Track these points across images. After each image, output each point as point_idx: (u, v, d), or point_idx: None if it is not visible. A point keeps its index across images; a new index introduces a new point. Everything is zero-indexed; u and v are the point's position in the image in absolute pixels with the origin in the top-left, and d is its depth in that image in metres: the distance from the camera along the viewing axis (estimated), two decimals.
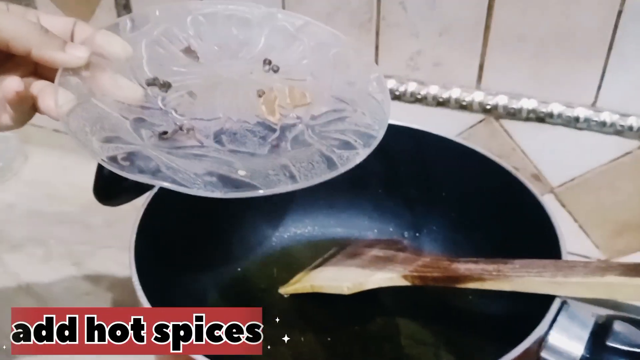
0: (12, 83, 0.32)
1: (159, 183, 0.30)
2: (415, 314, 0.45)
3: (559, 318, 0.31)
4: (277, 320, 0.43)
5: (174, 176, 0.30)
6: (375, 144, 0.34)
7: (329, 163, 0.33)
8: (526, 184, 0.43)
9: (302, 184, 0.31)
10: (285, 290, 0.47)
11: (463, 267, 0.37)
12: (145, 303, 0.31)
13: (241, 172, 0.31)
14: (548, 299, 0.33)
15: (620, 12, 0.46)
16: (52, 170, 0.75)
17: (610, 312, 0.33)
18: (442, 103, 0.56)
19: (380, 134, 0.35)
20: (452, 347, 0.43)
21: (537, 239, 0.39)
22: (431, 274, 0.38)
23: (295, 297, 0.47)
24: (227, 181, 0.31)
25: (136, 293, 0.32)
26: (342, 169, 0.32)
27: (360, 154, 0.33)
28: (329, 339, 0.44)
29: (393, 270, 0.40)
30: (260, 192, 0.30)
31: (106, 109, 0.33)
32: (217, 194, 0.30)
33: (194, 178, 0.30)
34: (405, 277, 0.39)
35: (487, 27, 0.51)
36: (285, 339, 0.41)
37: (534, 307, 0.33)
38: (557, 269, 0.33)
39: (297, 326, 0.45)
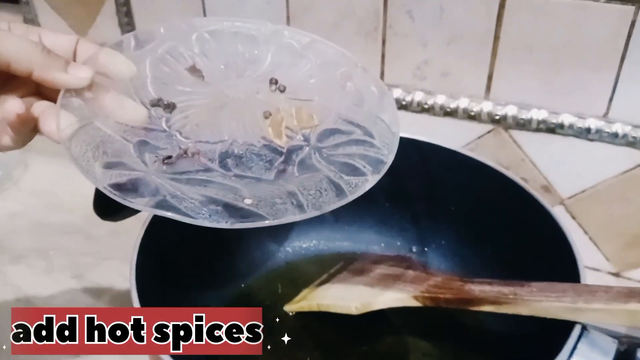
0: (14, 105, 0.31)
1: (163, 213, 0.29)
2: (426, 333, 0.44)
3: (579, 345, 0.30)
4: (282, 338, 0.42)
5: (179, 205, 0.29)
6: (384, 169, 0.33)
7: (337, 190, 0.32)
8: (537, 197, 0.42)
9: (309, 214, 0.31)
10: (291, 308, 0.46)
11: (477, 288, 0.35)
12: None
13: (247, 201, 0.31)
14: (566, 323, 0.32)
15: (633, 22, 0.45)
16: (54, 179, 0.74)
17: (633, 337, 0.32)
18: (450, 113, 0.55)
19: (389, 159, 0.34)
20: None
21: (551, 254, 0.39)
22: (443, 295, 0.37)
23: (300, 314, 0.46)
24: (233, 210, 0.30)
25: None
26: (350, 197, 0.32)
27: (370, 181, 0.33)
28: (335, 358, 0.43)
29: (403, 290, 0.39)
30: (267, 223, 0.30)
31: (109, 132, 0.32)
32: (223, 224, 0.29)
33: (199, 207, 0.29)
34: (416, 297, 0.38)
35: (496, 37, 0.50)
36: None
37: (551, 328, 0.32)
38: (577, 294, 0.32)
39: (303, 345, 0.44)
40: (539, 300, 0.32)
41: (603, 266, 0.57)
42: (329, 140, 0.36)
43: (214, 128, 0.34)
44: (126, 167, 0.31)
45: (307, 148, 0.35)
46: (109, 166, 0.30)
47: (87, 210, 0.64)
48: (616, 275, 0.57)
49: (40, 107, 0.32)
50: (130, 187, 0.30)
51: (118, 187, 0.29)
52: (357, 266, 0.46)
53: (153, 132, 0.33)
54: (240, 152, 0.34)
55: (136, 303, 0.32)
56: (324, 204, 0.31)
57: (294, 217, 0.30)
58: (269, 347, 0.43)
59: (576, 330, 0.31)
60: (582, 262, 0.36)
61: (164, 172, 0.31)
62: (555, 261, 0.38)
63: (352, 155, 0.35)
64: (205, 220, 0.29)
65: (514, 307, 0.33)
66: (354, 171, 0.34)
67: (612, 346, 0.31)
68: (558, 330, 0.32)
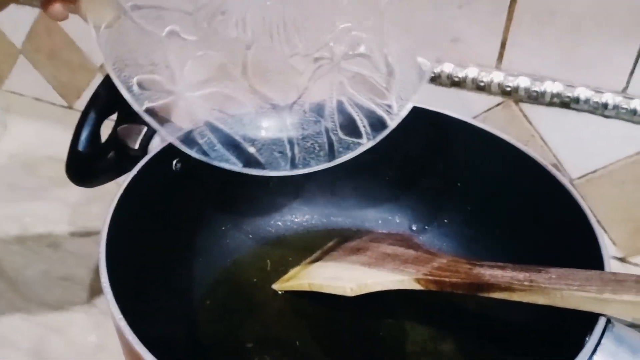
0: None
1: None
2: (426, 318, 0.41)
3: (603, 341, 0.27)
4: (270, 319, 0.39)
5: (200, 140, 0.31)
6: (381, 137, 0.33)
7: (329, 149, 0.32)
8: (557, 175, 0.38)
9: (299, 171, 0.32)
10: (280, 286, 0.42)
11: (488, 273, 0.32)
12: (116, 312, 0.27)
13: (251, 149, 0.33)
14: (588, 316, 0.28)
15: None
16: (32, 141, 0.70)
17: None
18: (457, 83, 0.51)
19: (391, 125, 0.33)
20: (468, 346, 0.39)
21: (569, 238, 0.35)
22: (449, 278, 0.33)
23: (290, 293, 0.43)
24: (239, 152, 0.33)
25: (106, 297, 0.28)
26: (337, 161, 0.33)
27: (362, 146, 0.33)
28: (327, 342, 0.40)
29: (404, 272, 0.35)
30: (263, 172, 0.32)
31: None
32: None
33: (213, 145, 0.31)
34: (418, 280, 0.34)
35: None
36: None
37: (569, 321, 0.29)
38: (603, 283, 0.28)
39: (291, 327, 0.41)
40: (559, 289, 0.29)
41: (609, 251, 0.54)
42: (351, 63, 0.34)
43: None
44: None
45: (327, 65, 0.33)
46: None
47: (65, 176, 0.60)
48: (622, 260, 0.55)
49: None
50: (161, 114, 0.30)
51: (151, 112, 0.30)
52: (354, 244, 0.43)
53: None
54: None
55: (106, 283, 0.28)
56: (313, 161, 0.32)
57: (286, 172, 0.32)
58: (255, 327, 0.41)
59: (601, 324, 0.28)
60: (605, 246, 0.33)
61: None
62: (574, 245, 0.35)
63: (361, 107, 0.33)
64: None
65: (529, 295, 0.30)
66: (353, 131, 0.33)
67: None
68: (578, 324, 0.28)
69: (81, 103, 0.71)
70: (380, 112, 0.33)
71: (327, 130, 0.33)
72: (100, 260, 0.29)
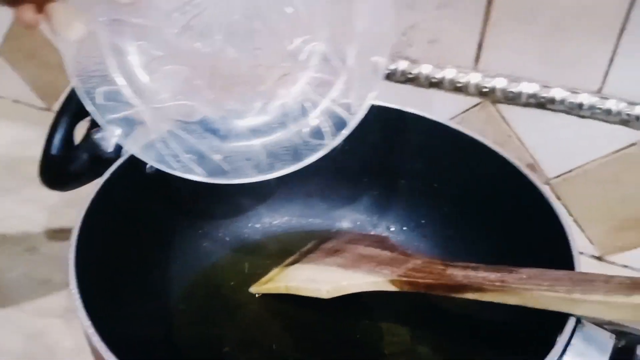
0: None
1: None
2: (403, 319, 0.41)
3: (573, 341, 0.27)
4: (247, 322, 0.39)
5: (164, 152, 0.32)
6: (342, 137, 0.34)
7: (294, 152, 0.34)
8: (530, 176, 0.39)
9: (265, 176, 0.34)
10: (257, 289, 0.42)
11: (460, 274, 0.32)
12: (82, 314, 0.26)
13: (216, 156, 0.34)
14: (559, 316, 0.29)
15: None
16: (11, 143, 0.69)
17: (632, 332, 0.29)
18: (435, 84, 0.51)
19: (353, 124, 0.34)
20: (446, 346, 0.39)
21: (542, 237, 0.36)
22: (423, 280, 0.34)
23: (267, 295, 0.43)
24: (204, 162, 0.33)
25: (75, 303, 0.27)
26: (303, 163, 0.34)
27: (326, 147, 0.34)
28: (304, 344, 0.40)
29: (379, 273, 0.36)
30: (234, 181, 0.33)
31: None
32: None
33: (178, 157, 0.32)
34: (393, 282, 0.34)
35: (490, 0, 0.46)
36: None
37: (542, 321, 0.29)
38: (573, 284, 0.28)
39: (268, 330, 0.41)
40: (529, 289, 0.29)
41: (586, 249, 0.55)
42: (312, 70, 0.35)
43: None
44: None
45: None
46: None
47: None
48: (599, 259, 0.55)
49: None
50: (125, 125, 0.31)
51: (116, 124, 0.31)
52: (331, 245, 0.43)
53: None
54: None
55: (74, 289, 0.28)
56: (278, 166, 0.34)
57: (252, 178, 0.34)
58: (233, 330, 0.40)
59: (570, 324, 0.28)
60: (575, 246, 0.33)
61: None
62: (546, 245, 0.35)
63: (323, 110, 0.35)
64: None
65: (500, 296, 0.30)
66: (316, 133, 0.35)
67: (609, 342, 0.28)
68: (550, 323, 0.29)
69: (60, 105, 0.71)
70: (342, 113, 0.35)
71: (291, 135, 0.34)
72: (69, 265, 0.29)
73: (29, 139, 0.70)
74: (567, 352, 0.27)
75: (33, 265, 0.53)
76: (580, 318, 0.29)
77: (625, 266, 0.54)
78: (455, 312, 0.40)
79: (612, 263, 0.55)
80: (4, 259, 0.54)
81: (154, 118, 0.33)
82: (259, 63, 0.34)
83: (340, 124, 0.35)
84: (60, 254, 0.55)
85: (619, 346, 0.28)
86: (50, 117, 0.73)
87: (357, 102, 0.35)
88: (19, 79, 0.72)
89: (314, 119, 0.35)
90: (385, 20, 0.33)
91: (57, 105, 0.71)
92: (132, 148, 0.33)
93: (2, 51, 0.70)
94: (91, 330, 0.25)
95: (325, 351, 0.40)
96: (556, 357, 0.27)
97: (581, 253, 0.54)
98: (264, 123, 0.35)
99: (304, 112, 0.35)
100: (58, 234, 0.57)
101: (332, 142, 0.35)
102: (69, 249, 0.50)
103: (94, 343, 0.25)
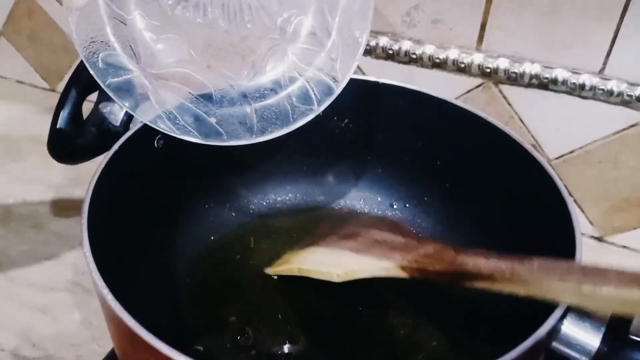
0: None
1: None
2: (410, 303, 0.42)
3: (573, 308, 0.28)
4: (252, 294, 0.39)
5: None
6: (328, 102, 0.37)
7: (284, 117, 0.36)
8: (534, 154, 0.39)
9: (258, 138, 0.36)
10: (273, 270, 0.43)
11: (471, 262, 0.32)
12: (98, 280, 0.27)
13: (212, 120, 0.36)
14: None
15: None
16: (14, 123, 0.70)
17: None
18: (439, 64, 0.52)
19: (338, 89, 0.37)
20: (448, 332, 0.40)
21: (544, 216, 0.36)
22: (433, 266, 0.34)
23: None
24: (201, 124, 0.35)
25: (88, 266, 0.28)
26: (293, 126, 0.36)
27: (314, 111, 0.37)
28: (309, 315, 0.41)
29: (390, 259, 0.36)
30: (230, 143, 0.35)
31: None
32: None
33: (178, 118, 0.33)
34: (403, 267, 0.35)
35: None
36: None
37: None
38: (584, 275, 0.28)
39: (274, 302, 0.42)
40: (539, 280, 0.29)
41: (586, 230, 0.55)
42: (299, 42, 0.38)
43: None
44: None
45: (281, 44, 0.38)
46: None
47: (47, 158, 0.60)
48: (599, 239, 0.56)
49: None
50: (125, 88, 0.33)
51: (116, 88, 0.32)
52: (346, 230, 0.43)
53: None
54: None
55: (90, 260, 0.28)
56: (270, 129, 0.36)
57: (247, 140, 0.36)
58: (238, 302, 0.41)
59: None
60: (578, 226, 0.33)
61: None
62: (549, 223, 0.35)
63: (310, 78, 0.38)
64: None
65: (510, 285, 0.30)
66: (305, 99, 0.37)
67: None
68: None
69: (63, 85, 0.71)
70: (328, 81, 0.37)
71: (282, 100, 0.37)
72: (83, 231, 0.30)
73: (32, 119, 0.70)
74: (567, 317, 0.28)
75: (39, 242, 0.54)
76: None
77: (625, 247, 0.55)
78: (462, 300, 0.40)
79: (612, 244, 0.55)
80: (11, 235, 0.54)
81: (152, 83, 0.35)
82: (250, 34, 0.37)
83: (326, 91, 0.37)
84: (65, 231, 0.56)
85: (611, 320, 0.28)
86: (53, 98, 0.73)
87: (342, 72, 0.37)
88: (22, 60, 0.72)
89: (302, 86, 0.37)
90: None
91: (60, 86, 0.72)
92: (132, 111, 0.34)
93: (5, 32, 0.71)
94: (105, 291, 0.26)
95: (329, 323, 0.40)
96: (554, 321, 0.27)
97: (581, 234, 0.55)
98: (255, 89, 0.37)
99: (292, 80, 0.38)
100: (63, 212, 0.57)
101: (319, 107, 0.37)
102: (76, 225, 0.51)
103: (109, 302, 0.26)
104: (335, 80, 0.37)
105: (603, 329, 0.28)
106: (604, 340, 0.28)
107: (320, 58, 0.38)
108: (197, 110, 0.36)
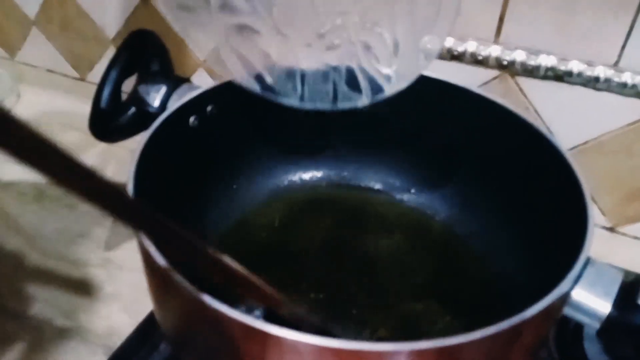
0: None
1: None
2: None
3: (584, 274, 0.29)
4: (277, 272, 0.42)
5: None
6: (376, 100, 0.39)
7: (333, 96, 0.38)
8: (553, 141, 0.40)
9: (306, 105, 0.38)
10: None
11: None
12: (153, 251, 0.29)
13: (269, 79, 0.38)
14: (570, 253, 0.31)
15: None
16: (45, 110, 0.72)
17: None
18: (457, 57, 0.53)
19: (388, 93, 0.38)
20: (457, 301, 0.42)
21: (559, 202, 0.37)
22: None
23: (300, 249, 0.45)
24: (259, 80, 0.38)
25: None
26: (338, 107, 0.38)
27: (361, 102, 0.38)
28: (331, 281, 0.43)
29: None
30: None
31: None
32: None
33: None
34: None
35: None
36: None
37: (554, 265, 0.31)
38: None
39: (299, 277, 0.44)
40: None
41: (598, 220, 0.57)
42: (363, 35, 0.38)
43: None
44: None
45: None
46: None
47: (79, 142, 0.63)
48: (611, 230, 0.57)
49: None
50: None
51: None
52: None
53: None
54: None
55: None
56: (317, 102, 0.38)
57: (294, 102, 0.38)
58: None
59: (581, 260, 0.30)
60: (592, 214, 0.33)
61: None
62: (563, 209, 0.36)
63: (365, 71, 0.38)
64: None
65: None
66: (356, 88, 0.37)
67: (618, 276, 0.30)
68: (564, 265, 0.31)
69: (93, 75, 0.73)
70: (381, 81, 0.38)
71: (334, 81, 0.38)
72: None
73: (62, 107, 0.73)
74: (578, 283, 0.29)
75: (72, 220, 0.56)
76: (590, 257, 0.31)
77: (637, 237, 0.56)
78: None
79: (624, 234, 0.57)
80: (43, 214, 0.57)
81: (223, 35, 0.37)
82: (319, 11, 0.37)
83: (376, 87, 0.38)
84: (96, 211, 0.58)
85: (627, 280, 0.30)
86: (82, 87, 0.76)
87: (397, 79, 0.38)
88: (53, 49, 0.74)
89: (356, 76, 0.38)
90: (448, 15, 0.36)
91: (90, 76, 0.75)
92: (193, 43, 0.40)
93: (37, 21, 0.72)
94: (152, 249, 0.28)
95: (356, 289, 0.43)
96: (567, 288, 0.29)
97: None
98: (314, 61, 0.38)
99: (348, 67, 0.39)
100: None
101: (367, 100, 0.39)
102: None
103: (157, 260, 0.28)
104: (388, 82, 0.39)
105: (614, 295, 0.29)
106: (614, 305, 0.29)
107: (382, 57, 0.39)
108: (257, 66, 0.38)
